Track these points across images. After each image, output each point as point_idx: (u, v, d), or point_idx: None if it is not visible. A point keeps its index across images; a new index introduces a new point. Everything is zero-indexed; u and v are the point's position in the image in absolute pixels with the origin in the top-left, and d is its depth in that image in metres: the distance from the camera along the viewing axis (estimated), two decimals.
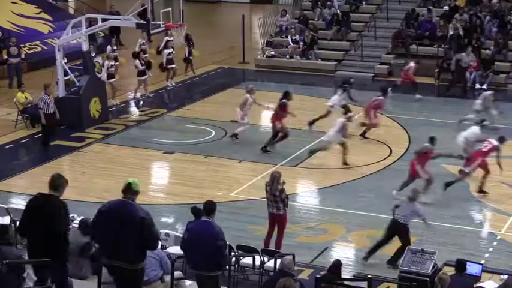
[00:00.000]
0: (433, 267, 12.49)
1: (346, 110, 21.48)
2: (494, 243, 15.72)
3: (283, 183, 14.66)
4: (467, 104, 24.56)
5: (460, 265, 11.83)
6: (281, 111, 21.18)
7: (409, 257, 12.73)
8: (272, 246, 14.56)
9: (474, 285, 11.70)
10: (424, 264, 12.54)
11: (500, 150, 18.12)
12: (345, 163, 20.04)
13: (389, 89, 23.71)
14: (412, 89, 26.64)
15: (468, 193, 18.44)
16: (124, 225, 9.50)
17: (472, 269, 12.07)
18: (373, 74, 30.36)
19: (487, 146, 18.15)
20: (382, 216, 16.71)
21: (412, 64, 27.23)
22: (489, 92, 23.73)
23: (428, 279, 12.25)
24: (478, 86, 28.17)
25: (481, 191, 18.17)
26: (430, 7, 32.05)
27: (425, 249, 13.07)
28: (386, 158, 20.85)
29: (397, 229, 14.46)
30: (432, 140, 17.97)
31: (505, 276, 11.86)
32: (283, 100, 21.25)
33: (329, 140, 20.17)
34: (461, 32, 30.38)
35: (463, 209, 17.64)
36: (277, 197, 14.58)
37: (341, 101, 22.96)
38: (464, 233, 16.48)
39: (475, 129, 19.27)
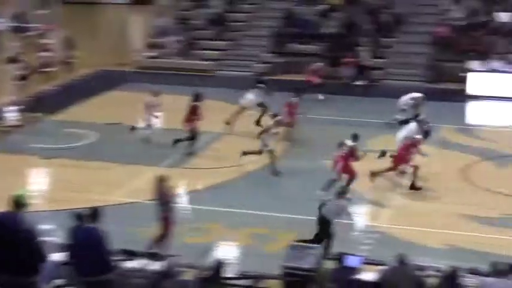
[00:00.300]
0: (316, 261, 12.66)
1: (264, 110, 21.09)
2: (373, 235, 16.13)
3: (171, 187, 14.61)
4: (348, 101, 25.08)
5: (341, 258, 12.08)
6: (193, 114, 20.97)
7: (292, 253, 12.86)
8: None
9: (353, 277, 11.95)
10: (306, 259, 12.69)
11: (420, 144, 18.74)
12: (275, 173, 19.49)
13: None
14: (314, 89, 26.63)
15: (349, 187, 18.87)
16: (12, 238, 9.30)
17: (352, 261, 12.31)
18: (252, 73, 30.64)
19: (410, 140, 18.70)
20: (267, 214, 16.96)
21: (319, 64, 27.20)
22: (419, 94, 23.73)
23: (311, 273, 12.41)
24: (356, 82, 28.92)
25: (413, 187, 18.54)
26: (308, 6, 32.63)
27: (307, 244, 13.25)
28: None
29: (324, 225, 14.68)
30: (355, 137, 18.16)
31: None
32: (195, 102, 21.06)
33: (267, 145, 19.38)
34: (339, 31, 31.10)
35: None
36: (161, 199, 14.49)
37: (256, 101, 23.10)
38: (345, 226, 16.82)
39: (412, 126, 19.48)
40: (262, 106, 23.04)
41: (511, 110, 26.11)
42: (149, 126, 21.83)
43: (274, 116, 20.25)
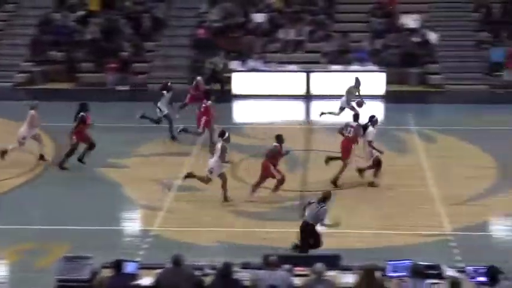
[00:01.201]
0: (91, 271, 12.40)
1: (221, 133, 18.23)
2: (148, 239, 16.08)
3: None
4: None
5: (117, 265, 11.91)
6: (81, 124, 19.94)
7: (64, 265, 12.50)
8: None
9: (132, 283, 11.84)
10: (81, 270, 12.40)
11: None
12: (226, 199, 17.95)
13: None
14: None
15: (119, 192, 18.70)
16: None
17: (129, 267, 12.20)
18: (12, 83, 29.55)
19: (350, 131, 18.90)
20: (35, 228, 16.40)
21: (199, 78, 25.49)
22: (351, 85, 23.77)
23: (86, 284, 12.15)
24: (119, 87, 28.77)
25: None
26: (66, 12, 31.93)
27: (81, 254, 12.95)
28: (35, 167, 20.40)
29: (305, 230, 14.46)
30: (279, 138, 18.02)
31: None
32: (82, 113, 20.00)
33: (213, 170, 17.73)
34: (100, 36, 30.73)
35: (115, 209, 17.83)
36: None
37: (166, 109, 22.42)
38: (118, 233, 16.66)
39: (371, 129, 19.01)
40: (167, 118, 22.57)
41: (272, 108, 27.08)
42: (23, 142, 20.30)
43: (222, 134, 18.05)
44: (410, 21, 31.01)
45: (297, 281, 11.67)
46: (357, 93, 23.59)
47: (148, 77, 30.04)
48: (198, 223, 16.85)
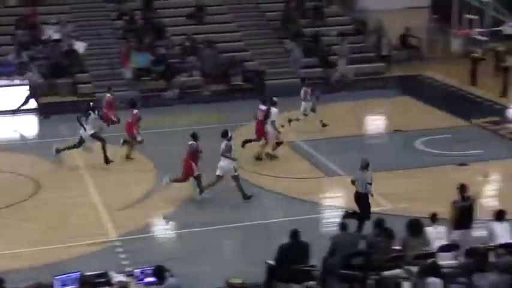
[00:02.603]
0: None
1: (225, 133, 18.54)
2: None
3: None
4: None
5: None
6: None
7: None
8: None
9: None
10: None
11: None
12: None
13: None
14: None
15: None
16: None
17: None
18: None
19: (260, 114, 21.09)
20: None
21: (108, 94, 23.62)
22: (306, 87, 23.85)
23: None
24: None
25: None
26: None
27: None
28: None
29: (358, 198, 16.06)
30: (194, 136, 18.28)
31: None
32: None
33: (224, 171, 18.36)
34: None
35: None
36: None
37: (93, 127, 21.07)
38: None
39: (274, 110, 20.95)
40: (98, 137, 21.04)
41: None
42: None
43: (225, 134, 18.44)
44: (53, 32, 30.74)
45: None
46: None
47: None
48: None
